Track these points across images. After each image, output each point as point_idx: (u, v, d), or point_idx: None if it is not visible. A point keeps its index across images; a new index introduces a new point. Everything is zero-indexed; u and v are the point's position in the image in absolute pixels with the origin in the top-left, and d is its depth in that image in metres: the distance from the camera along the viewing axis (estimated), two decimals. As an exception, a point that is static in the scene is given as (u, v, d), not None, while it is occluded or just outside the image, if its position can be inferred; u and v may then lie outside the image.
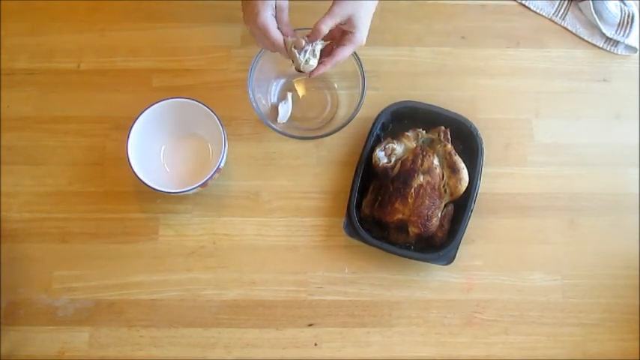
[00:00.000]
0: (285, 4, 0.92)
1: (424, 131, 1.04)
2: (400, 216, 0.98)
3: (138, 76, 1.10)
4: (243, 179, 1.06)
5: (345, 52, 0.93)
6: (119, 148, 0.99)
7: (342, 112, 1.08)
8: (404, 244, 1.01)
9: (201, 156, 1.05)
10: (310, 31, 0.90)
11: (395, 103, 1.06)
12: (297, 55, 0.91)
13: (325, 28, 0.89)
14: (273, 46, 0.92)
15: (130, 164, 0.96)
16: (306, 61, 0.92)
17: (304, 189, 1.05)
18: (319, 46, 0.92)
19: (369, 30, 0.94)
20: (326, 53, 0.94)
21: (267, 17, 0.89)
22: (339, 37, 0.94)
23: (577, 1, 1.15)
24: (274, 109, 1.07)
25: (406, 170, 0.99)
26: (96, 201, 1.04)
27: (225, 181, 1.05)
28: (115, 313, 1.00)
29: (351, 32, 0.92)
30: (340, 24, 0.91)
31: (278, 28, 0.91)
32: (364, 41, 0.93)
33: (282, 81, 1.10)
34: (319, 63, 0.93)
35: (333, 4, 0.90)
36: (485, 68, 1.12)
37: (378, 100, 1.07)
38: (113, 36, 1.13)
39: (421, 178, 0.98)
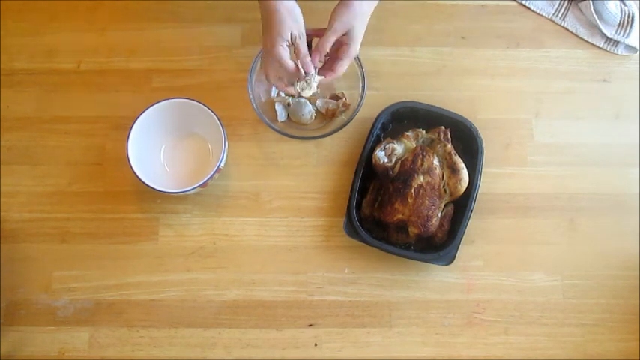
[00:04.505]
0: (303, 32, 0.93)
1: (424, 131, 1.04)
2: (400, 216, 0.98)
3: (138, 76, 1.10)
4: (243, 179, 1.06)
5: (344, 66, 0.96)
6: (119, 148, 0.99)
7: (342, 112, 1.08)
8: (404, 244, 1.01)
9: (201, 156, 1.05)
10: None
11: (395, 103, 1.06)
12: (295, 84, 0.97)
13: (328, 45, 0.94)
14: (288, 74, 0.95)
15: (130, 164, 0.96)
16: (301, 89, 0.97)
17: (304, 189, 1.05)
18: (316, 78, 0.96)
19: (369, 31, 0.95)
20: (325, 67, 0.98)
21: (280, 50, 0.92)
22: (334, 49, 0.96)
23: (577, 2, 1.15)
24: (274, 108, 1.07)
25: (406, 170, 0.99)
26: (96, 201, 1.04)
27: (225, 181, 1.05)
28: (115, 313, 1.00)
29: (347, 45, 0.94)
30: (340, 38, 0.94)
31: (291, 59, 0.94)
32: (358, 51, 0.95)
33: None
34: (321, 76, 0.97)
35: (332, 19, 0.93)
36: (485, 68, 1.12)
37: (378, 100, 1.07)
38: (113, 36, 1.13)
39: (421, 178, 0.98)
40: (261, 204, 1.05)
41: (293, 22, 0.91)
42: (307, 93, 0.98)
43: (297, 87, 0.97)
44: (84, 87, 1.10)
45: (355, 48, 0.94)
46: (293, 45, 0.93)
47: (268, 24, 0.92)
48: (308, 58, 0.94)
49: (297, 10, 0.92)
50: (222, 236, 1.03)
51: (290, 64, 0.93)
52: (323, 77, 0.97)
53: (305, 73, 0.95)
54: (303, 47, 0.93)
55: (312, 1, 1.13)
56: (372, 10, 0.94)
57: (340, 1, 0.93)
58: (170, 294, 1.01)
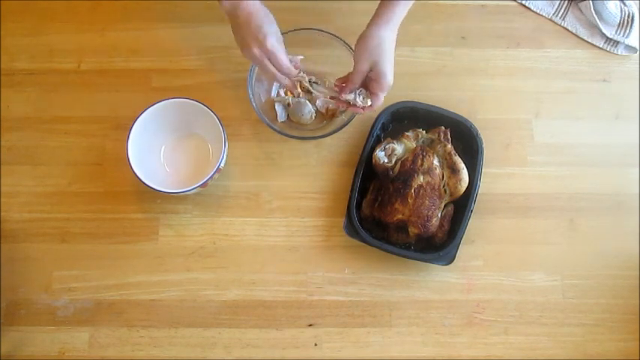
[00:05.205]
0: (281, 37, 0.92)
1: (424, 131, 1.04)
2: (400, 216, 0.98)
3: (138, 76, 1.10)
4: (243, 179, 1.06)
5: (379, 100, 0.94)
6: (119, 148, 0.99)
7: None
8: (404, 244, 1.01)
9: (201, 156, 1.05)
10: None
11: (395, 103, 1.06)
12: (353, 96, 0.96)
13: (354, 86, 0.93)
14: (280, 70, 0.92)
15: (130, 164, 0.96)
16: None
17: (304, 189, 1.05)
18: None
19: None
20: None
21: (274, 42, 0.89)
22: (367, 81, 0.94)
23: (577, 2, 1.15)
24: (274, 108, 1.07)
25: (406, 170, 0.99)
26: (96, 201, 1.04)
27: (225, 181, 1.05)
28: (115, 313, 1.00)
29: (377, 81, 0.91)
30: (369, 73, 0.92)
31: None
32: (392, 82, 0.92)
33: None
34: (362, 108, 0.96)
35: (354, 59, 0.91)
36: (485, 68, 1.12)
37: (378, 100, 1.07)
38: (113, 36, 1.13)
39: (421, 178, 0.98)
40: (261, 204, 1.05)
41: (271, 21, 0.90)
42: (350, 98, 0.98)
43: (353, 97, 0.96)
44: (84, 87, 1.10)
45: (386, 81, 0.91)
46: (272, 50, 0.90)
47: (248, 27, 0.89)
48: (287, 64, 0.92)
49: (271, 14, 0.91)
50: (222, 236, 1.03)
51: (286, 60, 0.90)
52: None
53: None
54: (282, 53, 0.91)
55: (312, 1, 1.13)
56: (396, 33, 0.91)
57: (360, 36, 0.91)
58: (170, 294, 1.01)
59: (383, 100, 0.95)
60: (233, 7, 0.89)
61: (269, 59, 0.90)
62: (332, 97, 0.97)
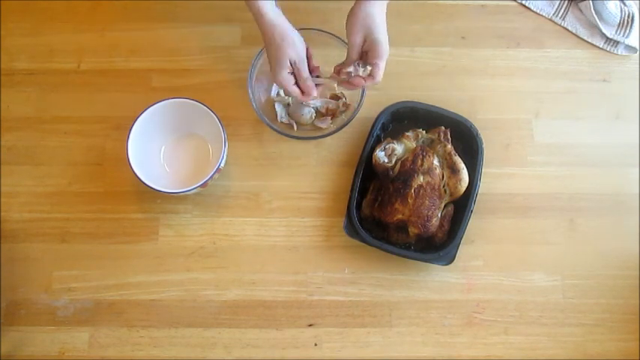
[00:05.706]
0: (302, 55, 0.94)
1: (424, 131, 1.04)
2: (400, 216, 0.98)
3: (138, 76, 1.10)
4: (243, 179, 1.06)
5: (379, 69, 0.92)
6: (119, 148, 0.99)
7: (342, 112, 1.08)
8: (404, 244, 1.01)
9: (201, 156, 1.05)
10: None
11: (395, 103, 1.06)
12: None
13: (352, 62, 0.94)
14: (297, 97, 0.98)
15: (130, 164, 0.96)
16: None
17: (304, 189, 1.05)
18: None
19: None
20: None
21: (284, 77, 0.94)
22: (364, 56, 0.94)
23: (577, 2, 1.15)
24: (274, 108, 1.07)
25: (406, 170, 0.99)
26: (96, 201, 1.04)
27: (225, 181, 1.05)
28: (115, 313, 1.00)
29: (373, 50, 0.91)
30: (364, 46, 0.93)
31: (296, 83, 0.95)
32: (388, 49, 0.92)
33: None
34: (363, 78, 0.94)
35: (347, 36, 0.92)
36: (485, 68, 1.12)
37: (378, 100, 1.07)
38: (113, 36, 1.13)
39: (421, 178, 0.98)
40: (261, 204, 1.05)
41: (290, 48, 0.92)
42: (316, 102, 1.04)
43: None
44: (84, 87, 1.10)
45: (382, 47, 0.91)
46: (293, 70, 0.93)
47: (268, 52, 0.94)
48: (309, 82, 0.95)
49: (293, 34, 0.92)
50: (222, 236, 1.03)
51: (295, 90, 0.95)
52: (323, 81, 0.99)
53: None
54: (304, 71, 0.94)
55: (312, 1, 1.13)
56: (384, 10, 0.92)
57: (348, 14, 0.92)
58: (170, 294, 1.01)
59: (383, 70, 0.93)
60: (265, 27, 0.92)
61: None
62: (338, 84, 0.97)
